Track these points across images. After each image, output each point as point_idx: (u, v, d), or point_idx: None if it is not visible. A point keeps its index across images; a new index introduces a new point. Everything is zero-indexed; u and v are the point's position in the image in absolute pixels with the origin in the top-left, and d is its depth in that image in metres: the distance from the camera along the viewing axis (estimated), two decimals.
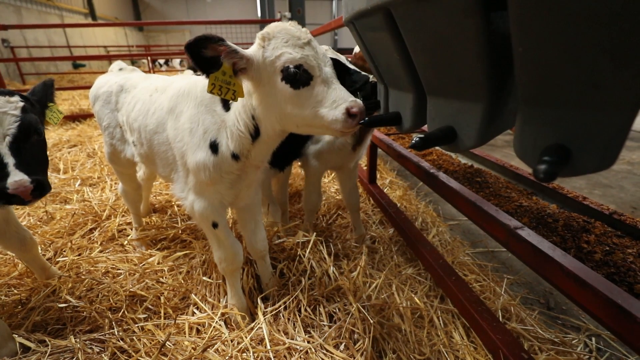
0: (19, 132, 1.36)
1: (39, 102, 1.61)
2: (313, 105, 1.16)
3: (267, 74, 1.20)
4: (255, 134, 1.34)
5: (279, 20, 7.35)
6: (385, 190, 3.19)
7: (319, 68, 1.17)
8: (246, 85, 1.27)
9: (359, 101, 1.14)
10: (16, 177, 1.28)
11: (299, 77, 1.14)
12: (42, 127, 1.53)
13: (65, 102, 8.09)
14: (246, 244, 1.87)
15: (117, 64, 2.28)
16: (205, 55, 1.13)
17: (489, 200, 2.90)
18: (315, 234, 2.08)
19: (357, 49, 1.99)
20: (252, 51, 1.21)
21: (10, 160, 1.31)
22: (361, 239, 2.48)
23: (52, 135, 5.14)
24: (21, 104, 1.42)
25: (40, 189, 1.33)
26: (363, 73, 1.65)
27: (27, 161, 1.36)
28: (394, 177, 3.82)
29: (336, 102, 1.13)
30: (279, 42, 1.17)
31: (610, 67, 0.49)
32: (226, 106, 1.39)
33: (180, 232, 2.50)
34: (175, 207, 2.93)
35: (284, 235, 2.27)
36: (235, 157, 1.39)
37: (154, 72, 6.73)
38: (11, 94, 1.43)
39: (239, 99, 1.26)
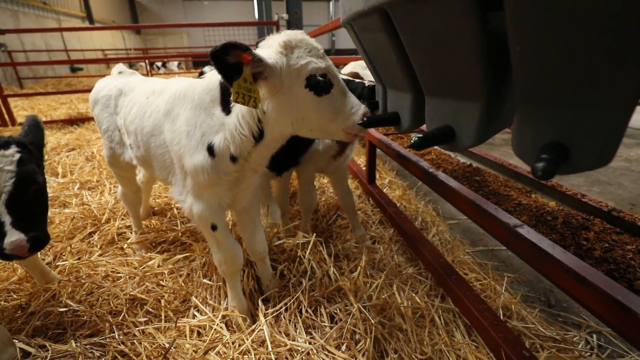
0: (15, 188, 1.34)
1: (35, 144, 1.55)
2: (333, 111, 1.28)
3: (289, 81, 1.23)
4: (259, 136, 1.35)
5: (277, 22, 7.33)
6: (384, 190, 3.20)
7: (338, 78, 1.28)
8: (261, 91, 1.27)
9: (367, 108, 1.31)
10: (12, 238, 1.29)
11: (322, 85, 1.23)
12: (41, 174, 1.49)
13: (63, 105, 8.09)
14: (246, 246, 1.86)
15: (118, 67, 2.28)
16: (228, 62, 1.13)
17: (488, 199, 2.90)
18: (315, 234, 2.08)
19: (348, 69, 2.19)
20: (274, 59, 1.21)
21: (6, 219, 1.31)
22: (361, 239, 2.48)
23: (51, 139, 5.13)
24: (17, 156, 1.38)
25: (37, 245, 1.34)
26: (357, 80, 1.83)
27: (24, 217, 1.35)
28: (393, 177, 3.82)
29: (354, 108, 1.29)
30: (302, 51, 1.23)
31: (607, 66, 0.50)
32: (226, 109, 1.38)
33: (180, 234, 2.49)
34: (175, 209, 2.92)
35: (284, 236, 2.27)
36: (233, 159, 1.39)
37: (151, 75, 6.72)
38: (7, 145, 1.39)
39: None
